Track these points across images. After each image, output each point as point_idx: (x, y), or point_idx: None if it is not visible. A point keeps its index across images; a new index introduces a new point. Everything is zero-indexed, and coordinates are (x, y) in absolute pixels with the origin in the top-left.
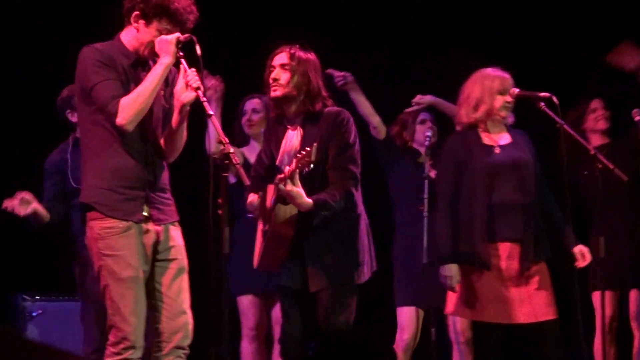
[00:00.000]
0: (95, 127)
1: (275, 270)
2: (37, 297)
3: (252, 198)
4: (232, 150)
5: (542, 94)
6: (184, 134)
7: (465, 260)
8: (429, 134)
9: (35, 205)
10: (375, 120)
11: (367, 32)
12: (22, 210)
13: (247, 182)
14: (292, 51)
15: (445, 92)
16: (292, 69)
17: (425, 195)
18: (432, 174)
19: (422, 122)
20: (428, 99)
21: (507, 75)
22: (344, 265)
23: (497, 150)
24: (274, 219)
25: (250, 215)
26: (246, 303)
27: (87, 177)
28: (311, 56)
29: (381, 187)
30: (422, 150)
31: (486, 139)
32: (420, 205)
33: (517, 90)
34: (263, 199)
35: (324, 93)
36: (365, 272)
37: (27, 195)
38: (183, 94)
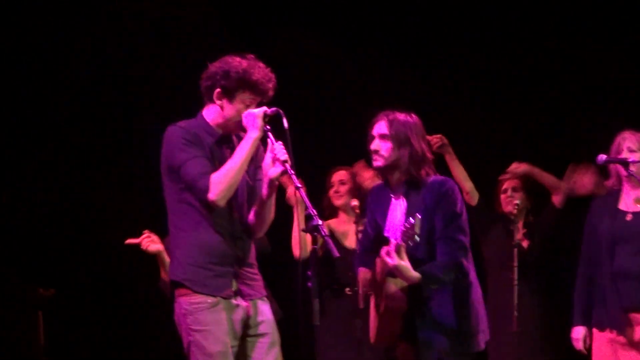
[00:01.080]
0: (182, 205)
1: (392, 345)
2: None
3: (364, 274)
4: (320, 222)
5: (631, 159)
6: (272, 208)
7: (594, 325)
8: (517, 202)
9: (161, 247)
10: (468, 185)
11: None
12: (150, 246)
13: (335, 254)
14: (391, 118)
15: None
16: (392, 137)
17: (515, 264)
18: (525, 243)
19: (504, 191)
20: (523, 168)
21: (630, 135)
22: (456, 337)
23: (629, 217)
24: (385, 292)
25: (336, 287)
26: None
27: (176, 255)
28: (411, 119)
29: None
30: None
31: (622, 204)
32: (510, 273)
33: (604, 157)
34: (373, 273)
35: (429, 156)
36: (480, 341)
37: (153, 235)
38: (271, 169)
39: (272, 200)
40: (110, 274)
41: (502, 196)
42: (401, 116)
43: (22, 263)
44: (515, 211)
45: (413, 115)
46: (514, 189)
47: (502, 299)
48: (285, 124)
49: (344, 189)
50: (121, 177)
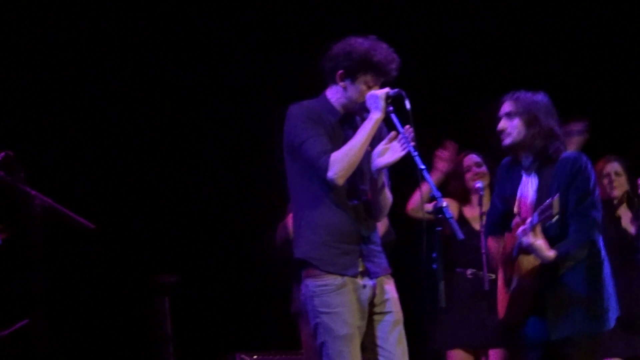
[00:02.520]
0: (304, 183)
1: (519, 322)
2: (255, 357)
3: (493, 246)
4: (445, 204)
5: None
6: (386, 195)
7: None
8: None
9: None
10: None
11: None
12: None
13: (460, 236)
14: (515, 97)
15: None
16: (518, 115)
17: None
18: (633, 229)
19: (606, 175)
20: None
21: None
22: (589, 314)
23: None
24: (518, 270)
25: (459, 269)
26: (456, 358)
27: (300, 233)
28: (538, 97)
29: None
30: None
31: None
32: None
33: None
34: (504, 248)
35: (558, 132)
36: (611, 319)
37: None
38: (378, 158)
39: (384, 189)
40: (235, 259)
41: (604, 181)
42: (526, 95)
43: (147, 250)
44: (620, 195)
45: (539, 94)
46: (617, 173)
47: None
48: (408, 105)
49: (481, 170)
50: (243, 161)
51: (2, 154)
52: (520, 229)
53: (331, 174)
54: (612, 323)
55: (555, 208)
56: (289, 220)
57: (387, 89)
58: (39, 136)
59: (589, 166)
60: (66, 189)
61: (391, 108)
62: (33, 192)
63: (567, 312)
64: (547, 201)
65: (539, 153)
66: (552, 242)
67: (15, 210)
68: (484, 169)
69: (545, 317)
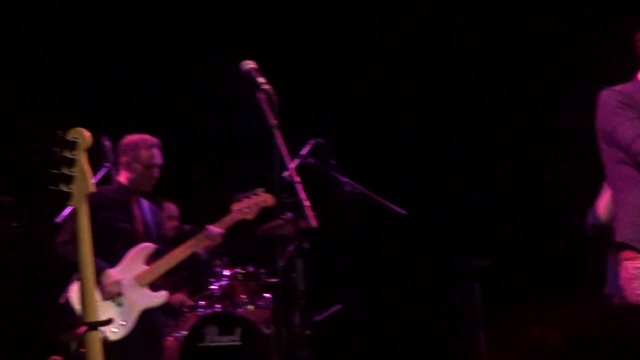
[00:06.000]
0: (621, 166)
1: None
2: None
3: None
4: None
5: None
6: None
7: None
8: None
9: None
10: None
11: None
12: None
13: None
14: None
15: None
16: None
17: None
18: None
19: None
20: None
21: None
22: None
23: None
24: None
25: None
26: None
27: (620, 217)
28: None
29: None
30: None
31: None
32: None
33: None
34: None
35: None
36: None
37: None
38: None
39: None
40: (544, 244)
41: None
42: None
43: (458, 236)
44: None
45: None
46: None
47: None
48: None
49: None
50: (552, 146)
51: (313, 142)
52: None
53: None
54: None
55: None
56: (599, 205)
57: None
58: (351, 123)
59: None
60: (379, 176)
61: None
62: (344, 179)
63: None
64: None
65: None
66: None
67: (327, 197)
68: None
69: None
